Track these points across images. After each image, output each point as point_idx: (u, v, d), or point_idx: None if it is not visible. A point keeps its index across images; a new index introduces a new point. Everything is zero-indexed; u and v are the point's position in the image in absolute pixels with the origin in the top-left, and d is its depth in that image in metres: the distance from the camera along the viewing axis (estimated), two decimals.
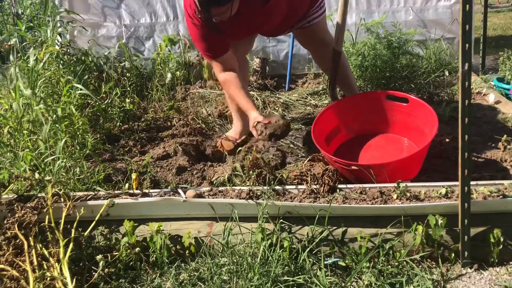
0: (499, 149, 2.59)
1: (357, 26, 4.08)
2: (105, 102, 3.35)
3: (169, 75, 4.00)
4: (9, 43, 4.48)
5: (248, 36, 2.79)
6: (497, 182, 2.07)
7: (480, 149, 2.63)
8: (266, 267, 1.77)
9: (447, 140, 2.66)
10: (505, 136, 2.61)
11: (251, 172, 2.27)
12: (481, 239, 1.89)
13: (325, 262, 1.84)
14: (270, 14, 2.56)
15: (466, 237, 1.83)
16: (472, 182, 1.85)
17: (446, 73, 3.82)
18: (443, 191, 1.98)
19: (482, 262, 1.88)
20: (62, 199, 2.05)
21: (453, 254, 1.89)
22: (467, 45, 1.67)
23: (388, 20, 4.03)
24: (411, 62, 3.68)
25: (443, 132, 2.74)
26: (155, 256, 1.96)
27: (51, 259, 1.84)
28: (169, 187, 2.27)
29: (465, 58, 1.68)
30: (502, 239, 1.86)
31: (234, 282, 1.74)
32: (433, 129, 2.29)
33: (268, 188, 2.09)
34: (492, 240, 1.87)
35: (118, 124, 3.27)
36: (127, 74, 3.93)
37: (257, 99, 3.60)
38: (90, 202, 2.07)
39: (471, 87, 1.73)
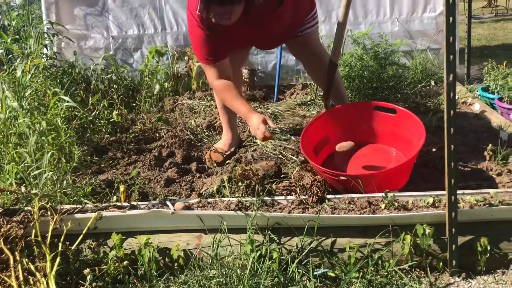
0: (485, 158, 2.62)
1: (344, 37, 4.12)
2: (93, 114, 3.33)
3: (157, 87, 4.00)
4: None
5: (252, 43, 2.77)
6: (483, 191, 2.10)
7: (466, 158, 2.66)
8: (256, 279, 1.76)
9: (434, 149, 2.68)
10: (490, 145, 2.64)
11: (240, 183, 2.27)
12: (468, 248, 1.91)
13: (315, 273, 1.84)
14: (278, 20, 2.56)
15: (453, 246, 1.85)
16: (458, 191, 1.87)
17: (432, 83, 3.86)
18: (430, 200, 2.00)
19: (469, 270, 1.90)
20: (49, 213, 2.03)
21: (441, 263, 1.90)
22: (451, 56, 1.70)
23: (375, 31, 4.08)
24: (397, 73, 3.72)
25: (430, 141, 2.76)
26: (143, 269, 1.94)
27: (37, 273, 1.82)
28: (157, 199, 2.25)
29: (450, 69, 1.70)
30: (489, 248, 1.88)
31: None
32: (420, 139, 2.31)
33: (257, 199, 2.09)
34: (479, 248, 1.89)
35: (105, 136, 3.25)
36: (114, 86, 3.92)
37: None
38: (78, 215, 2.05)
39: (457, 97, 1.76)
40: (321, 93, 3.77)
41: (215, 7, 2.26)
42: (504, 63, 4.04)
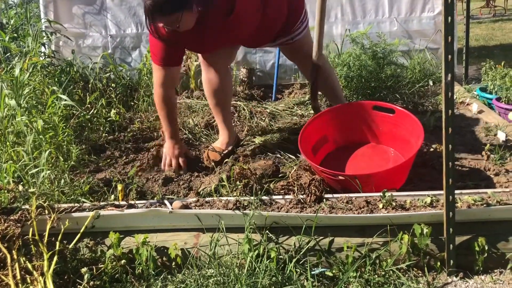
0: (483, 158, 2.62)
1: (342, 37, 4.13)
2: (90, 113, 3.33)
3: None
4: None
5: (218, 48, 2.77)
6: (481, 191, 2.10)
7: (464, 158, 2.66)
8: (253, 278, 1.76)
9: (432, 149, 2.69)
10: (488, 145, 2.65)
11: (238, 182, 2.27)
12: (466, 248, 1.91)
13: (312, 272, 1.84)
14: (236, 26, 2.55)
15: (451, 245, 1.85)
16: (456, 191, 1.87)
17: (430, 83, 3.87)
18: (428, 200, 2.00)
19: (467, 270, 1.90)
20: (46, 211, 2.02)
21: (438, 263, 1.90)
22: (449, 56, 1.70)
23: (373, 30, 4.08)
24: (396, 72, 3.72)
25: (428, 141, 2.77)
26: (141, 268, 1.94)
27: (35, 272, 1.81)
28: (155, 198, 2.25)
29: (448, 69, 1.71)
30: (486, 247, 1.88)
31: None
32: (418, 139, 2.31)
33: (255, 198, 2.08)
34: (477, 248, 1.89)
35: (103, 134, 3.25)
36: (112, 85, 3.91)
37: (244, 109, 3.60)
38: (75, 214, 2.05)
39: (455, 97, 1.76)
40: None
41: (160, 18, 2.27)
42: (502, 63, 4.05)
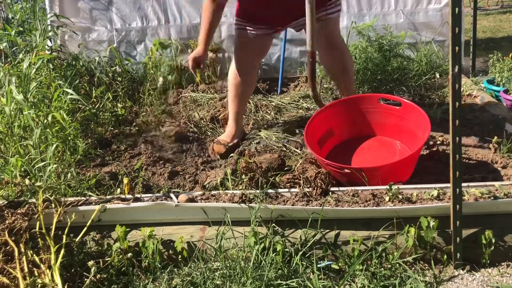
0: (490, 151, 2.60)
1: (348, 29, 4.09)
2: (96, 107, 3.33)
3: (160, 79, 3.98)
4: None
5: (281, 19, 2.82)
6: (488, 183, 2.09)
7: (471, 151, 2.65)
8: (259, 271, 1.76)
9: (439, 142, 2.67)
10: (495, 137, 2.63)
11: (243, 176, 2.27)
12: (473, 241, 1.90)
13: (318, 266, 1.84)
14: None
15: (458, 238, 1.84)
16: (463, 184, 1.86)
17: (437, 75, 3.84)
18: (435, 193, 1.99)
19: (474, 263, 1.89)
20: (53, 205, 2.03)
21: (445, 256, 1.90)
22: (457, 48, 1.68)
23: (379, 23, 4.05)
24: (402, 65, 3.70)
25: (435, 134, 2.75)
26: (147, 261, 1.94)
27: (42, 265, 1.82)
28: (161, 192, 2.26)
29: (455, 61, 1.69)
30: (493, 240, 1.87)
31: (227, 286, 1.73)
32: (425, 132, 2.30)
33: (260, 191, 2.08)
34: (483, 241, 1.88)
35: (109, 128, 3.26)
36: (118, 79, 3.91)
37: (249, 103, 3.59)
38: (82, 208, 2.06)
39: (462, 89, 1.74)
40: (324, 86, 3.77)
41: None
42: (510, 55, 4.01)
